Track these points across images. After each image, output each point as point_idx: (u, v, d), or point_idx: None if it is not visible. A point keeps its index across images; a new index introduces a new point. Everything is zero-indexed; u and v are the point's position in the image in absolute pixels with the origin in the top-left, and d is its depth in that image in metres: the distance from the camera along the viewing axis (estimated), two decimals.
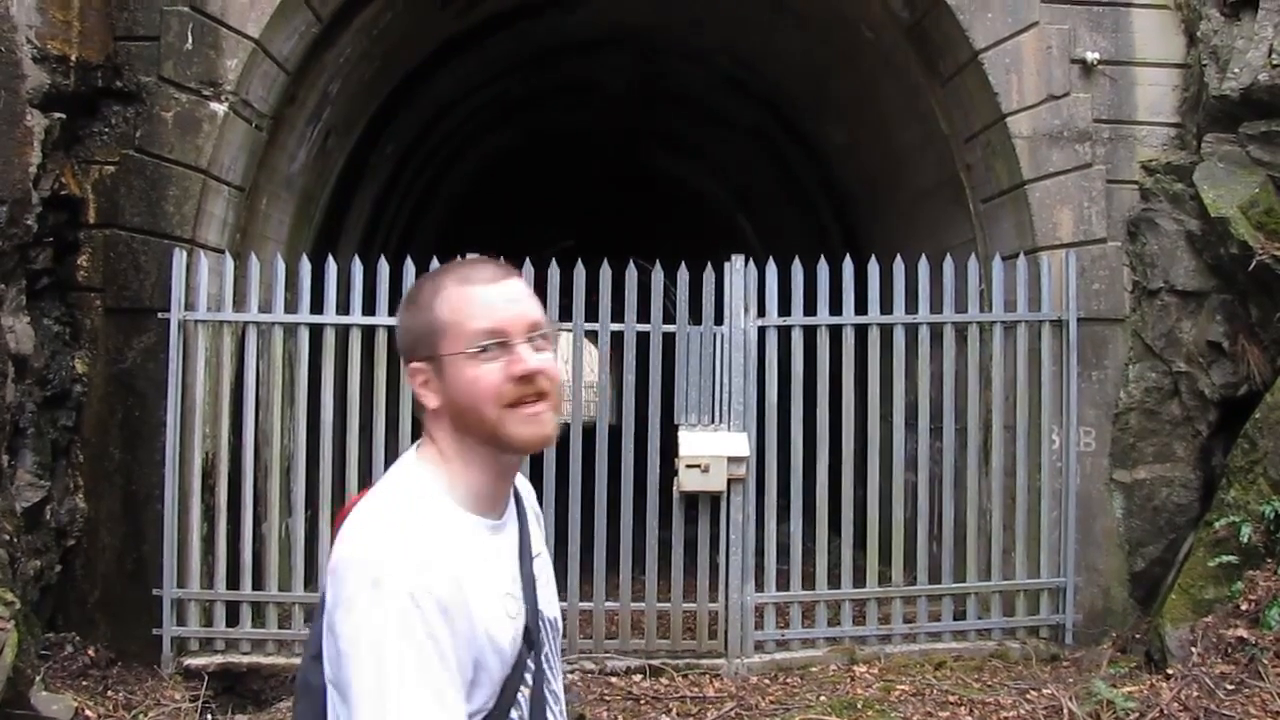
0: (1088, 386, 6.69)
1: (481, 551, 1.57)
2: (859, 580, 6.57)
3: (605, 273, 6.35)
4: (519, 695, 1.57)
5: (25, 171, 5.58)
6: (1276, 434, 5.87)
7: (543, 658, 1.66)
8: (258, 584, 6.12)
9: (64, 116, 5.86)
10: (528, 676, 1.59)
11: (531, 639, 1.60)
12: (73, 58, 5.89)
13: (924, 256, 6.62)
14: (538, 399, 1.57)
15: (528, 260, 6.25)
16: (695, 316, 6.39)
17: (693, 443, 6.25)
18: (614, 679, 6.08)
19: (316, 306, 6.23)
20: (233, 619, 6.09)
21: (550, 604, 1.73)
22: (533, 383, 1.56)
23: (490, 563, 1.58)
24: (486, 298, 1.57)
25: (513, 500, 1.71)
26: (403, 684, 1.39)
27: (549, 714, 1.66)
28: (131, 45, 6.26)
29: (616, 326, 6.42)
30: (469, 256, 1.80)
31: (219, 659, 5.98)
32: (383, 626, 1.40)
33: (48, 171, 5.76)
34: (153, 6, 6.26)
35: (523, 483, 1.83)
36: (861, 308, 6.52)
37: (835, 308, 6.49)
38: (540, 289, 6.26)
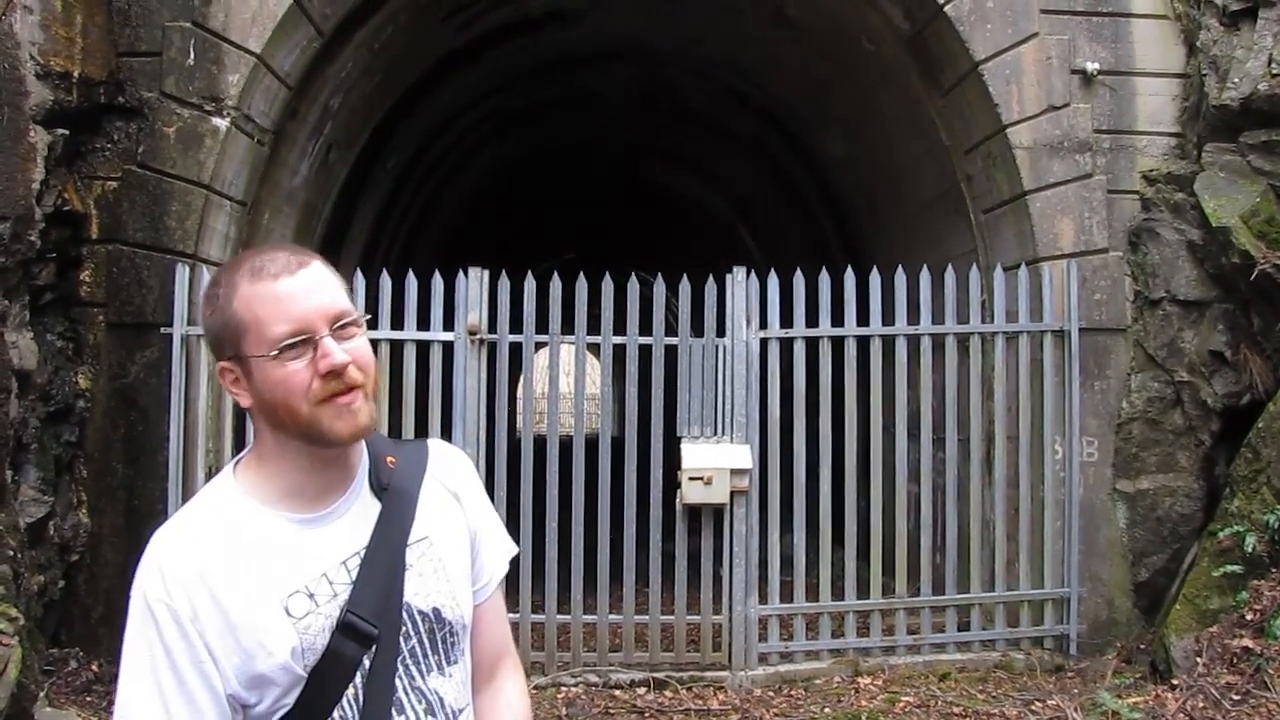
0: (1090, 396, 6.69)
1: (270, 551, 1.54)
2: (863, 592, 6.56)
3: (607, 285, 6.35)
4: (344, 694, 1.53)
5: (28, 187, 5.59)
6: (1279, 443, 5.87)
7: (406, 654, 1.60)
8: None
9: (67, 132, 5.88)
10: (358, 675, 1.54)
11: (357, 632, 1.53)
12: (75, 74, 5.91)
13: (925, 267, 6.62)
14: (349, 390, 1.53)
15: (530, 274, 6.25)
16: (697, 329, 6.39)
17: (696, 455, 6.25)
18: (618, 692, 6.07)
19: None
20: None
21: (428, 594, 1.63)
22: (341, 377, 1.51)
23: (279, 561, 1.53)
24: (281, 293, 1.51)
25: (362, 486, 1.64)
26: (132, 680, 1.47)
27: (406, 716, 1.59)
28: (134, 61, 6.28)
29: (619, 339, 6.41)
30: (265, 247, 1.72)
31: None
32: (127, 631, 1.49)
33: (51, 187, 5.77)
34: (155, 23, 6.28)
35: (444, 454, 1.79)
36: (863, 319, 6.52)
37: (837, 319, 6.50)
38: (542, 302, 6.28)
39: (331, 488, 1.61)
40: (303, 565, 1.54)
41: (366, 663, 1.55)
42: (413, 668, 1.61)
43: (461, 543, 1.72)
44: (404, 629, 1.60)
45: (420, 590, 1.62)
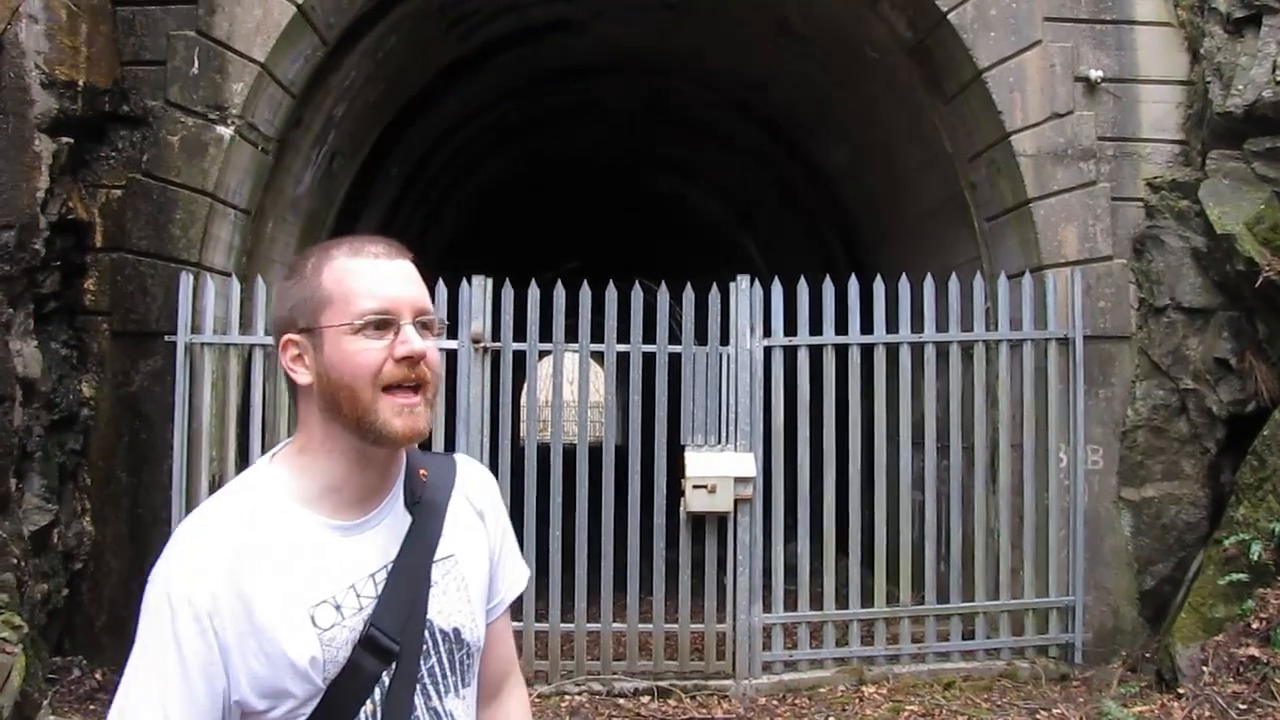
0: (1095, 404, 6.67)
1: (302, 556, 1.49)
2: (867, 600, 6.54)
3: (611, 294, 6.34)
4: (361, 709, 1.50)
5: (33, 196, 5.61)
6: None
7: (425, 673, 1.57)
8: None
9: (71, 141, 5.90)
10: (376, 690, 1.51)
11: (379, 648, 1.50)
12: (80, 83, 5.93)
13: (929, 275, 6.61)
14: (415, 389, 1.51)
15: (534, 282, 6.25)
16: (701, 337, 6.38)
17: (699, 463, 6.24)
18: (622, 700, 6.05)
19: None
20: None
21: (450, 613, 1.61)
22: (414, 367, 1.50)
23: (310, 568, 1.49)
24: (378, 272, 1.52)
25: (398, 498, 1.61)
26: (138, 670, 1.43)
27: None
28: (138, 70, 6.31)
29: (622, 347, 6.41)
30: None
31: None
32: (142, 619, 1.44)
33: (55, 196, 5.79)
34: (159, 31, 6.31)
35: (471, 471, 1.77)
36: (867, 327, 6.51)
37: (841, 327, 6.49)
38: (546, 310, 6.28)
39: (369, 493, 1.58)
40: (333, 575, 1.51)
41: (386, 679, 1.52)
42: (430, 687, 1.58)
43: (483, 563, 1.71)
44: (425, 647, 1.57)
45: (443, 609, 1.61)
